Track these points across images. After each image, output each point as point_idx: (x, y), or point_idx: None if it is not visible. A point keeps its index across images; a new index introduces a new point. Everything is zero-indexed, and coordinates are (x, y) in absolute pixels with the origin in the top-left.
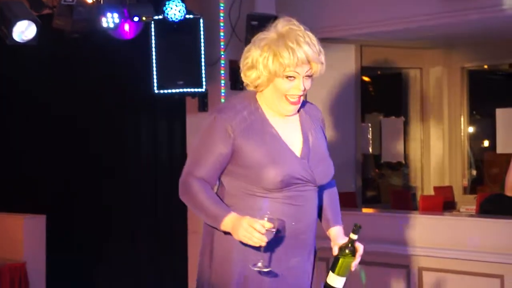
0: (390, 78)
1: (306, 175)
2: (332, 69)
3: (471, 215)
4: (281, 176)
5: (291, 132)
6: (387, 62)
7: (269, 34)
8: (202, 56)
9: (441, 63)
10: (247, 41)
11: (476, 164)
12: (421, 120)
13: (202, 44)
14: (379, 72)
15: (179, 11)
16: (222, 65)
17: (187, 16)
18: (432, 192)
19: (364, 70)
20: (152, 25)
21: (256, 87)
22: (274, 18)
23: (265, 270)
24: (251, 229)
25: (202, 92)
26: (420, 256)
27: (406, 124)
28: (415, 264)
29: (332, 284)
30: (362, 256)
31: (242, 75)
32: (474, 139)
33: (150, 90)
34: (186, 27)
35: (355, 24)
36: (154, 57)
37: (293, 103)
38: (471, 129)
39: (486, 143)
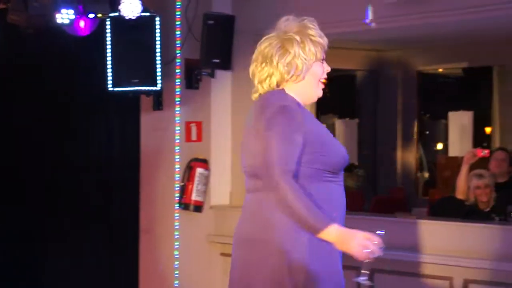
0: (345, 80)
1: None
2: None
3: (422, 218)
4: (344, 155)
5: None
6: (342, 64)
7: (291, 29)
8: (158, 54)
9: (395, 66)
10: (204, 40)
11: (428, 166)
12: (374, 122)
13: (158, 42)
14: (334, 74)
15: (135, 9)
16: (178, 63)
17: (143, 13)
18: (385, 194)
19: None
20: (108, 22)
21: (294, 79)
22: (231, 17)
23: (369, 284)
24: (368, 242)
25: (157, 90)
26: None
27: (360, 126)
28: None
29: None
30: None
31: (280, 73)
32: (427, 142)
33: (105, 88)
34: (142, 25)
35: None
36: (109, 54)
37: (322, 87)
38: (424, 131)
39: (439, 146)
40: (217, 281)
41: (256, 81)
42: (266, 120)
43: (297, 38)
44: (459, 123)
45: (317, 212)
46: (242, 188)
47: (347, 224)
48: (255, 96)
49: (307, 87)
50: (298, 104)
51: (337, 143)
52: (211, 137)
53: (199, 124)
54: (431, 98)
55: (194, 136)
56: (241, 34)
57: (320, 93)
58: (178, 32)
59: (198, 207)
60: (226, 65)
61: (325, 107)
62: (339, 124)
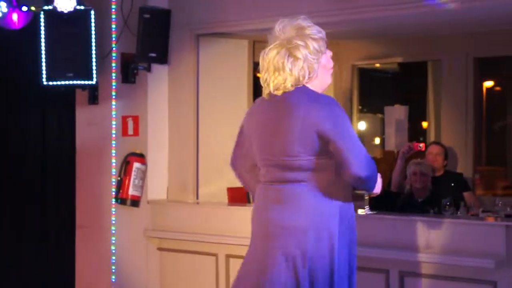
0: None
1: None
2: (225, 64)
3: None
4: None
5: None
6: None
7: (291, 35)
8: (93, 48)
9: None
10: (140, 34)
11: None
12: None
13: (93, 36)
14: None
15: (69, 2)
16: (114, 57)
17: (78, 7)
18: None
19: (256, 66)
20: (42, 16)
21: (310, 77)
22: (167, 11)
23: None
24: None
25: (92, 84)
26: None
27: None
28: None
29: None
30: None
31: (301, 75)
32: (364, 136)
33: (39, 82)
34: (76, 19)
35: (248, 20)
36: (43, 48)
37: (331, 73)
38: (361, 126)
39: (377, 141)
40: (155, 276)
41: (271, 86)
42: (340, 121)
43: (301, 42)
44: (395, 117)
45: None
46: (179, 182)
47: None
48: (265, 91)
49: (321, 80)
50: None
51: None
52: (148, 131)
53: (135, 119)
54: (368, 92)
55: (130, 131)
56: (177, 28)
57: (330, 80)
58: (113, 26)
59: (135, 202)
60: (162, 59)
61: None
62: None
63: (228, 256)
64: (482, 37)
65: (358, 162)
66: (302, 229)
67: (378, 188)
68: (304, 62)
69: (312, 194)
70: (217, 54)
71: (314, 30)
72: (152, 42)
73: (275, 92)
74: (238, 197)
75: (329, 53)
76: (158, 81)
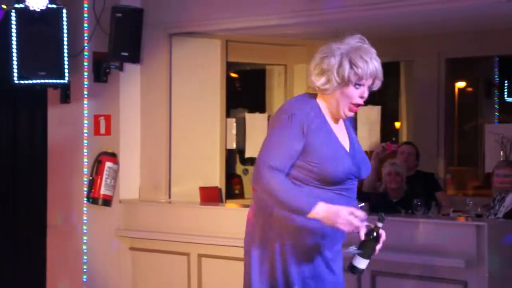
0: (255, 74)
1: (356, 171)
2: (198, 64)
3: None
4: (341, 172)
5: (342, 133)
6: (253, 58)
7: (342, 45)
8: (65, 47)
9: (305, 60)
10: (112, 33)
11: None
12: None
13: (65, 35)
14: (244, 68)
15: (41, 0)
16: (86, 56)
17: (50, 5)
18: None
19: (229, 66)
20: (13, 14)
21: (322, 90)
22: (139, 10)
23: (358, 252)
24: (353, 217)
25: (64, 83)
26: None
27: (269, 120)
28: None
29: (359, 266)
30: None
31: (311, 78)
32: None
33: (10, 80)
34: (48, 17)
35: (220, 19)
36: (14, 46)
37: (354, 111)
38: None
39: None
40: (127, 275)
41: None
42: (271, 123)
43: (339, 57)
44: (368, 118)
45: (301, 196)
46: (152, 182)
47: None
48: None
49: (334, 104)
50: (319, 114)
51: (339, 159)
52: (120, 130)
53: (107, 118)
54: None
55: (102, 130)
56: (150, 27)
57: (348, 115)
58: (86, 25)
59: (107, 201)
60: (134, 58)
61: (235, 101)
62: (249, 118)
63: (200, 256)
64: (454, 38)
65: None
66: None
67: (328, 220)
68: (324, 73)
69: None
70: (190, 54)
71: (361, 61)
72: (125, 41)
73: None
74: (210, 196)
75: (361, 93)
76: (131, 80)
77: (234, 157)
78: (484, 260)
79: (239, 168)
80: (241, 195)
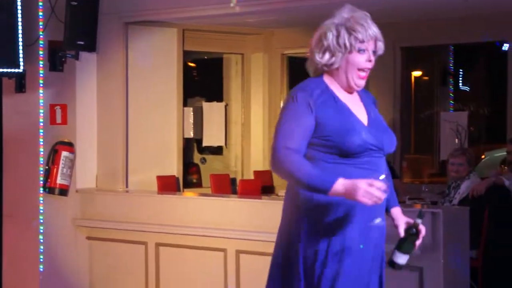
0: (212, 63)
1: (377, 142)
2: (154, 52)
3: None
4: (358, 141)
5: (356, 106)
6: (209, 47)
7: (335, 19)
8: (20, 36)
9: (262, 49)
10: (67, 22)
11: None
12: (242, 105)
13: (20, 24)
14: (201, 57)
15: None
16: (41, 45)
17: None
18: (252, 177)
19: (186, 55)
20: None
21: (329, 66)
22: None
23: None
24: (373, 189)
25: (19, 72)
26: (237, 239)
27: (227, 109)
28: (232, 247)
29: (398, 261)
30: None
31: (316, 60)
32: None
33: None
34: (2, 5)
35: (176, 8)
36: None
37: (363, 78)
38: None
39: None
40: (84, 264)
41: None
42: (281, 110)
43: (335, 30)
44: None
45: (321, 175)
46: (109, 171)
47: (216, 207)
48: None
49: (343, 77)
50: (326, 90)
51: (354, 130)
52: (77, 119)
53: (63, 107)
54: (298, 81)
55: (58, 119)
56: (105, 16)
57: (360, 84)
58: (40, 13)
59: (64, 191)
60: (90, 47)
61: (192, 90)
62: (206, 107)
63: (158, 245)
64: (409, 27)
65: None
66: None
67: (349, 194)
68: (327, 49)
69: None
70: (146, 42)
71: (359, 26)
72: (80, 30)
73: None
74: (167, 185)
75: (367, 57)
76: (87, 69)
77: (192, 146)
78: (439, 247)
79: (196, 157)
80: (198, 184)
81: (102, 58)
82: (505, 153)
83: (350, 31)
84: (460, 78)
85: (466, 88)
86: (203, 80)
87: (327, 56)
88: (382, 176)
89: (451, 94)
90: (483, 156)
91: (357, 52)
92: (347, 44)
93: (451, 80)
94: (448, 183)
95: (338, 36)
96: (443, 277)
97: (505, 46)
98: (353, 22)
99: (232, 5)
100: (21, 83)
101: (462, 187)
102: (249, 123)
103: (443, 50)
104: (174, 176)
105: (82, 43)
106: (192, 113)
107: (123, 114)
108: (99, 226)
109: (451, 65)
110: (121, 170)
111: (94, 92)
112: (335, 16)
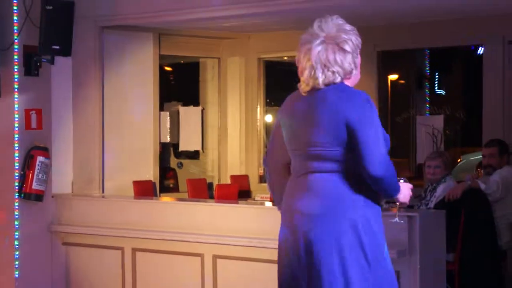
0: (189, 67)
1: None
2: (130, 57)
3: (264, 203)
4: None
5: None
6: (186, 51)
7: (333, 30)
8: None
9: (238, 53)
10: (42, 26)
11: None
12: (219, 110)
13: None
14: (178, 61)
15: None
16: (16, 50)
17: None
18: (229, 181)
19: (162, 59)
20: None
21: (355, 69)
22: (70, 3)
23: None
24: (409, 191)
25: None
26: (214, 244)
27: (204, 113)
28: (209, 252)
29: None
30: None
31: (344, 66)
32: (272, 129)
33: None
34: None
35: (152, 12)
36: None
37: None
38: (268, 119)
39: None
40: (60, 270)
41: (320, 81)
42: (368, 115)
43: (346, 37)
44: None
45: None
46: (85, 176)
47: (192, 211)
48: (306, 88)
49: (355, 79)
50: None
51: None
52: (52, 124)
53: (39, 112)
54: (275, 85)
55: (34, 124)
56: (81, 20)
57: (359, 76)
58: (15, 18)
59: (39, 196)
60: (66, 51)
61: (169, 94)
62: (183, 111)
63: (134, 250)
64: (386, 31)
65: (373, 159)
66: (319, 215)
67: (404, 197)
68: (351, 56)
69: (335, 184)
70: (122, 47)
71: (349, 27)
72: (55, 34)
73: (321, 86)
74: (144, 190)
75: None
76: (62, 74)
77: (168, 151)
78: (416, 251)
79: (173, 162)
80: (175, 189)
81: (78, 63)
82: (481, 156)
83: (353, 33)
84: (436, 82)
85: (442, 92)
86: (179, 84)
87: (349, 59)
88: (402, 179)
89: (427, 98)
90: (459, 160)
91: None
92: (358, 45)
93: (427, 83)
94: (425, 187)
95: (352, 44)
96: (420, 281)
97: (480, 50)
98: (350, 26)
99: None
100: None
101: (438, 190)
102: (225, 128)
103: (419, 54)
104: (150, 181)
105: (57, 47)
106: (168, 118)
107: (99, 119)
108: (75, 231)
109: (427, 68)
110: (97, 175)
111: (70, 96)
112: (323, 29)
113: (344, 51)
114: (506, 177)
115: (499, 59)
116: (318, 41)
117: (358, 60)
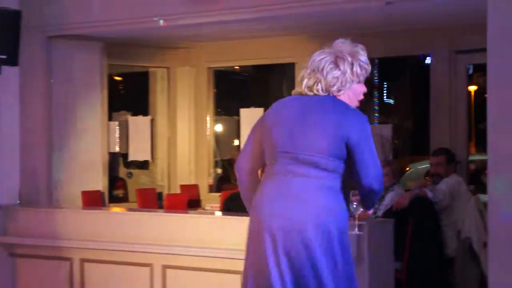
0: (138, 77)
1: None
2: (78, 66)
3: (214, 213)
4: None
5: None
6: (135, 60)
7: (346, 50)
8: None
9: (187, 63)
10: None
11: (222, 163)
12: (168, 119)
13: None
14: (127, 71)
15: None
16: None
17: None
18: (179, 191)
19: (111, 68)
20: None
21: (339, 91)
22: (17, 12)
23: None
24: None
25: None
26: (163, 254)
27: (153, 123)
28: (159, 262)
29: None
30: None
31: (326, 81)
32: (222, 138)
33: None
34: None
35: (99, 22)
36: None
37: (359, 104)
38: (217, 128)
39: (236, 142)
40: (6, 283)
41: (303, 84)
42: (365, 129)
43: (350, 59)
44: (250, 119)
45: None
46: (32, 186)
47: (142, 221)
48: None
49: (346, 101)
50: None
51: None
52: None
53: None
54: (224, 95)
55: None
56: (28, 30)
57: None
58: None
59: None
60: (13, 61)
61: (118, 104)
62: (132, 121)
63: (82, 260)
64: (334, 40)
65: (375, 175)
66: (302, 223)
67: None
68: (341, 75)
69: (325, 192)
70: (70, 56)
71: (365, 60)
72: (2, 44)
73: (306, 91)
74: (92, 200)
75: (363, 88)
76: (9, 83)
77: (118, 161)
78: (365, 259)
79: (122, 172)
80: (125, 199)
81: (25, 72)
82: (429, 165)
83: (360, 63)
84: (385, 91)
85: (391, 101)
86: (128, 94)
87: (338, 81)
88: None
89: (375, 107)
90: (407, 169)
91: (361, 83)
92: (359, 74)
93: (376, 93)
94: None
95: (354, 65)
96: None
97: (428, 60)
98: (360, 57)
99: (160, 23)
100: None
101: (386, 199)
102: (175, 137)
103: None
104: (99, 191)
105: (4, 57)
106: (117, 127)
107: (47, 128)
108: (22, 242)
109: (375, 78)
110: (45, 185)
111: (17, 106)
112: (340, 45)
113: (336, 66)
114: (453, 185)
115: (445, 69)
116: (325, 50)
117: (356, 86)
